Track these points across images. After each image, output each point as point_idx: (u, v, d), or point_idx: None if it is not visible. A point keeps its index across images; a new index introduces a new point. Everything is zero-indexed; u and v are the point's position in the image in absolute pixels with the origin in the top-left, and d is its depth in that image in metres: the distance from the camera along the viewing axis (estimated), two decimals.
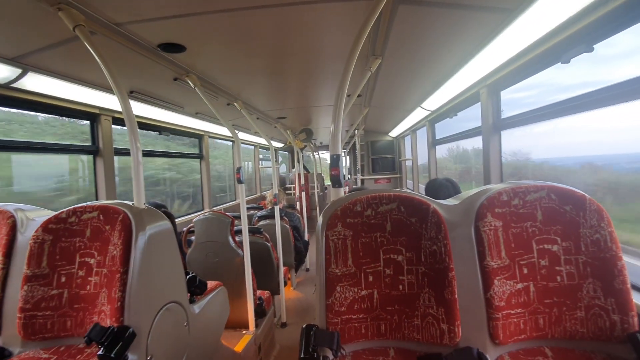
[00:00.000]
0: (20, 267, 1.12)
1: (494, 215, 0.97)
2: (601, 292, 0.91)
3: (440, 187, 1.62)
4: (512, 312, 0.93)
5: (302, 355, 0.89)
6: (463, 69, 1.83)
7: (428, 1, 1.20)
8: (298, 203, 4.92)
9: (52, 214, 1.20)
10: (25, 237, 1.17)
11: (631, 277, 0.91)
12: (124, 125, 1.24)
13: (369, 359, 0.93)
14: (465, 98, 2.29)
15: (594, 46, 1.16)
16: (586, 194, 0.95)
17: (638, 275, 1.12)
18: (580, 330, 0.91)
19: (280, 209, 3.06)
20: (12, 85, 1.56)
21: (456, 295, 0.92)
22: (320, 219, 1.06)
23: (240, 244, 2.12)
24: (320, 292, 1.00)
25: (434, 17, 1.32)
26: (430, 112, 3.06)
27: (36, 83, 1.63)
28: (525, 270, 0.95)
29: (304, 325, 0.96)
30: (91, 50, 1.15)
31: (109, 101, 2.05)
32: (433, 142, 3.42)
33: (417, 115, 3.38)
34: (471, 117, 2.49)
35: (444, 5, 1.22)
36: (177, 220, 2.20)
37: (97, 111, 2.08)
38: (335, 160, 1.22)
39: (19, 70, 1.49)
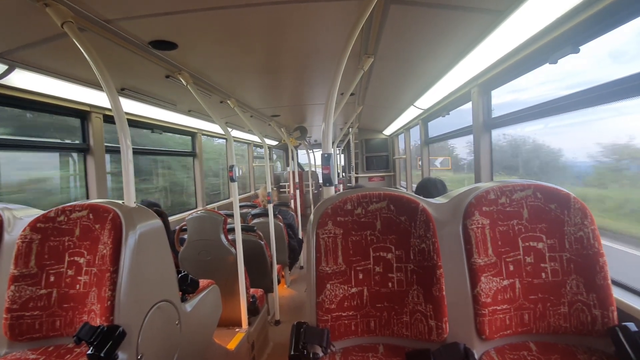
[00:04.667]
0: (6, 267, 1.11)
1: (481, 214, 0.99)
2: (583, 288, 0.93)
3: (432, 186, 1.65)
4: (498, 308, 0.95)
5: (291, 353, 0.90)
6: (454, 69, 1.84)
7: (419, 1, 1.21)
8: (292, 201, 4.93)
9: (40, 213, 1.19)
10: (12, 237, 1.15)
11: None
12: (115, 122, 1.23)
13: (359, 356, 0.95)
14: (457, 97, 2.31)
15: (580, 47, 1.18)
16: (570, 193, 0.98)
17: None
18: (563, 325, 0.94)
19: (274, 207, 3.07)
20: None
21: (444, 292, 0.94)
22: (311, 218, 1.07)
23: (233, 242, 2.12)
24: (310, 290, 1.01)
25: (425, 17, 1.33)
26: (423, 110, 3.08)
27: (24, 80, 1.60)
28: (511, 267, 0.97)
29: (295, 323, 0.97)
30: (80, 48, 1.13)
31: (100, 98, 2.02)
32: (426, 141, 3.45)
33: (410, 113, 3.40)
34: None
35: (435, 5, 1.23)
36: (169, 218, 2.19)
37: (87, 108, 2.05)
38: (326, 159, 1.23)
39: (5, 67, 1.46)
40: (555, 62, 1.30)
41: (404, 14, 1.31)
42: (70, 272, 1.12)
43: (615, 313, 0.91)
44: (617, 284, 1.12)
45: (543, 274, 0.96)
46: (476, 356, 0.90)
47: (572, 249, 0.96)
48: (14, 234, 1.16)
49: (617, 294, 0.99)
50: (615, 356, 0.86)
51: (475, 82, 1.93)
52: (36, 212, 1.25)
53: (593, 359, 0.87)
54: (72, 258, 1.13)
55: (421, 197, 1.07)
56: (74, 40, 1.13)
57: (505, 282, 0.97)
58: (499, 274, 0.97)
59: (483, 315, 0.93)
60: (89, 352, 0.94)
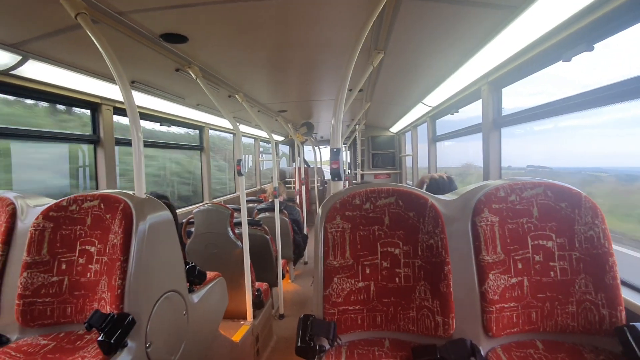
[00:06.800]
0: (19, 254, 1.13)
1: (490, 211, 0.98)
2: (592, 287, 0.93)
3: (433, 184, 1.63)
4: (506, 305, 0.95)
5: (298, 344, 0.91)
6: (465, 65, 1.82)
7: None
8: (298, 197, 4.94)
9: (52, 202, 1.21)
10: (25, 225, 1.17)
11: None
12: (125, 115, 1.24)
13: (365, 349, 0.95)
14: (467, 95, 2.29)
15: (594, 45, 1.16)
16: (582, 192, 0.97)
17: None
18: (570, 324, 0.93)
19: (280, 202, 3.08)
20: (11, 72, 1.56)
21: (451, 289, 0.94)
22: (319, 212, 1.08)
23: (239, 236, 2.14)
24: (317, 283, 1.02)
25: (438, 12, 1.31)
26: (431, 108, 3.05)
27: (37, 70, 1.62)
28: (520, 265, 0.97)
29: (302, 315, 0.98)
30: (93, 39, 1.14)
31: (111, 91, 2.04)
32: (434, 138, 3.43)
33: (418, 111, 3.37)
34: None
35: (447, 0, 1.22)
36: (177, 211, 2.22)
37: (98, 100, 2.08)
38: (335, 154, 1.23)
39: (19, 57, 1.48)
40: (569, 60, 1.28)
41: (416, 9, 1.29)
42: (81, 261, 1.14)
43: (624, 313, 0.90)
44: (625, 284, 1.11)
45: (552, 273, 0.96)
46: (482, 353, 0.90)
47: (582, 248, 0.95)
48: (27, 221, 1.18)
49: (625, 294, 0.98)
50: (622, 356, 0.85)
51: (486, 80, 1.91)
52: (49, 201, 1.27)
53: (600, 358, 0.86)
54: (83, 247, 1.15)
55: (430, 194, 1.07)
56: (87, 32, 1.13)
57: (514, 280, 0.96)
58: (507, 272, 0.96)
59: (490, 312, 0.93)
60: (100, 338, 0.96)
